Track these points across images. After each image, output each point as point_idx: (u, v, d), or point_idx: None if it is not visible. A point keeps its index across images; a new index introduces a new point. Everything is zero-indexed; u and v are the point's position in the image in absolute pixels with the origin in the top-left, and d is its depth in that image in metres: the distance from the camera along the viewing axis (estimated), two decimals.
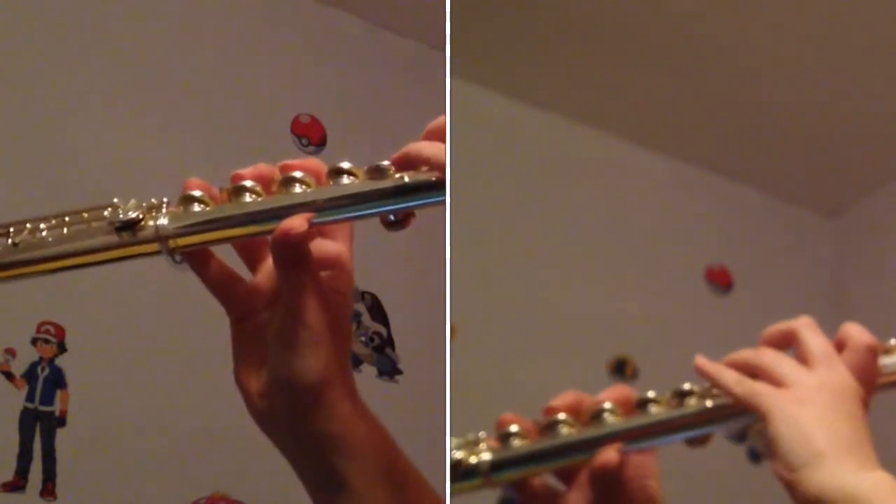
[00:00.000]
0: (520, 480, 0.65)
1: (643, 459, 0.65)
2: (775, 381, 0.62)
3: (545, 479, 0.66)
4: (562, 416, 0.65)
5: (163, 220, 0.57)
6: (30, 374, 1.86)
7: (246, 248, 0.61)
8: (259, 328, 0.59)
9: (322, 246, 0.59)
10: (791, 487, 0.59)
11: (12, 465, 1.82)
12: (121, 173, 2.02)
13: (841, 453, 0.58)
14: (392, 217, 0.58)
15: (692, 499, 2.24)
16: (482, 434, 0.66)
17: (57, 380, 1.88)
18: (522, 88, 2.48)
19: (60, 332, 1.90)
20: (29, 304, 1.89)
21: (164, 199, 0.59)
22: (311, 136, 2.33)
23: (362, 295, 2.30)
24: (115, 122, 2.06)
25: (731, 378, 0.64)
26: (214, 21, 2.29)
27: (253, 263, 0.61)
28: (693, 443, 0.66)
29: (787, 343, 0.65)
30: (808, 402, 0.60)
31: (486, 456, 0.65)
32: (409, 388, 2.29)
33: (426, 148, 0.57)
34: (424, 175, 0.57)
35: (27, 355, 1.87)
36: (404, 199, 0.57)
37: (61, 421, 1.88)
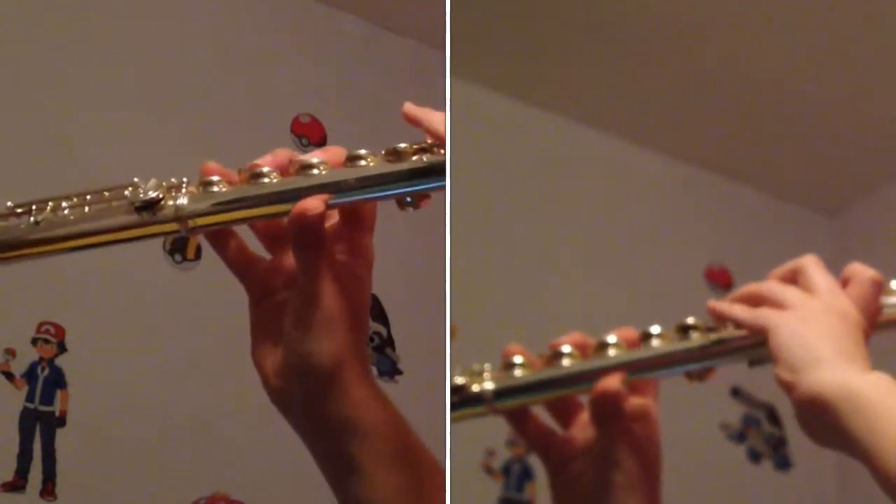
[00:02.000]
0: (520, 418, 0.67)
1: (645, 402, 0.66)
2: (780, 306, 0.63)
3: (546, 420, 0.67)
4: (566, 348, 0.66)
5: (182, 200, 0.58)
6: (30, 374, 1.86)
7: (265, 232, 0.61)
8: (277, 309, 0.59)
9: (343, 231, 0.60)
10: (790, 388, 0.60)
11: (12, 465, 1.82)
12: (121, 173, 2.01)
13: (841, 359, 0.59)
14: (408, 198, 0.58)
15: (692, 499, 2.24)
16: (486, 364, 0.67)
17: (57, 380, 1.88)
18: (522, 88, 2.48)
19: (60, 332, 1.90)
20: (29, 304, 1.89)
21: (185, 179, 0.60)
22: (311, 136, 2.33)
23: None
24: (115, 122, 2.06)
25: (737, 309, 0.65)
26: (214, 21, 2.29)
27: (273, 247, 0.62)
28: (693, 376, 0.66)
29: (794, 279, 0.66)
30: (811, 319, 0.61)
31: (490, 385, 0.66)
32: (409, 388, 2.29)
33: (435, 119, 0.58)
34: (440, 158, 0.57)
35: (27, 355, 1.87)
36: (420, 181, 0.58)
37: (61, 421, 1.88)
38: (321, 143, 2.33)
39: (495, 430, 2.29)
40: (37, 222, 0.60)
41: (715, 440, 2.50)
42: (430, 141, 0.58)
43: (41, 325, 1.89)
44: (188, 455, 1.99)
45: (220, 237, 0.60)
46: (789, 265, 0.67)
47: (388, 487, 0.57)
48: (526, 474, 2.27)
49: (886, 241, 2.65)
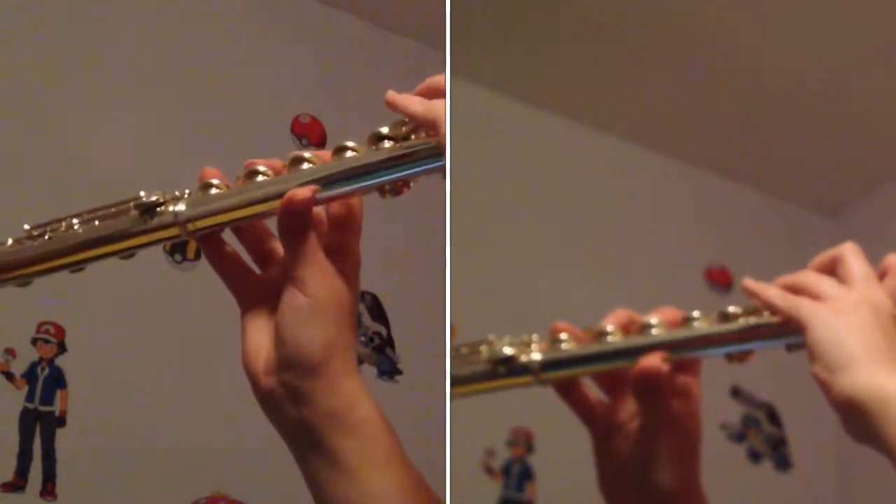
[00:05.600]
0: (568, 387, 0.69)
1: (687, 379, 0.68)
2: (816, 297, 0.65)
3: (593, 390, 0.70)
4: (610, 327, 0.69)
5: (181, 206, 0.61)
6: (30, 374, 1.86)
7: (255, 244, 0.63)
8: (267, 313, 0.60)
9: (330, 233, 0.61)
10: (827, 388, 0.61)
11: (12, 465, 1.82)
12: (121, 173, 2.02)
13: (874, 359, 0.60)
14: (387, 186, 0.60)
15: None
16: (535, 336, 0.70)
17: (57, 380, 1.88)
18: (522, 88, 2.48)
19: (60, 332, 1.90)
20: (29, 304, 1.89)
21: (186, 191, 0.62)
22: (311, 136, 2.33)
23: (362, 295, 2.30)
24: (115, 122, 2.06)
25: (774, 293, 0.67)
26: (214, 21, 2.29)
27: (262, 260, 0.63)
28: (733, 358, 0.68)
29: (833, 269, 0.67)
30: (846, 313, 0.62)
31: (537, 356, 0.68)
32: (409, 388, 2.29)
33: (414, 103, 0.59)
34: (421, 142, 0.58)
35: (27, 355, 1.87)
36: (403, 167, 0.59)
37: (61, 421, 1.88)
38: (321, 143, 2.33)
39: (495, 431, 2.30)
40: (49, 239, 0.63)
41: (715, 440, 2.50)
42: (407, 127, 0.60)
43: (41, 325, 1.89)
44: (188, 455, 1.99)
45: (213, 248, 0.62)
46: (829, 253, 0.68)
47: (372, 487, 0.57)
48: (526, 474, 2.27)
49: (886, 241, 2.64)
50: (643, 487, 0.66)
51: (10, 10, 2.01)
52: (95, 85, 2.07)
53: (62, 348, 1.90)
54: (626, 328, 0.69)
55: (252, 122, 2.25)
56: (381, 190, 0.60)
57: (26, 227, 0.65)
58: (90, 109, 2.05)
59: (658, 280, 2.55)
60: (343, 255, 0.61)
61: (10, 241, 0.65)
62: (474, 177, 2.30)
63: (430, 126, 0.58)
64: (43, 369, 1.88)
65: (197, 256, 2.06)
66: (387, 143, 0.60)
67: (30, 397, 1.86)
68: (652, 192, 2.65)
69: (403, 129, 0.60)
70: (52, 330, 1.90)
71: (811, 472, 2.63)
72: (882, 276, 0.66)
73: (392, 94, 0.61)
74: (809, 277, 0.67)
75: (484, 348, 0.69)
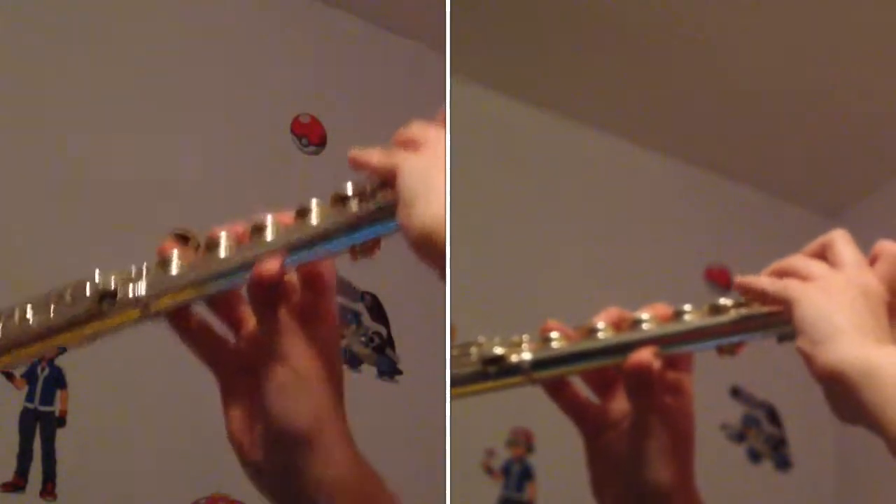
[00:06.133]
0: (558, 386, 0.69)
1: (679, 376, 0.67)
2: (804, 278, 0.65)
3: (583, 390, 0.69)
4: (601, 324, 0.68)
5: (141, 287, 0.58)
6: (30, 374, 1.86)
7: (225, 310, 0.61)
8: (248, 383, 0.59)
9: (304, 297, 0.59)
10: (810, 360, 0.61)
11: (12, 465, 1.82)
12: (120, 173, 2.02)
13: (860, 332, 0.60)
14: (357, 247, 0.58)
15: None
16: (525, 335, 0.69)
17: (57, 380, 1.88)
18: (522, 88, 2.48)
19: None
20: None
21: (144, 265, 0.59)
22: (311, 136, 2.33)
23: (362, 295, 2.30)
24: (116, 122, 2.06)
25: (763, 280, 0.67)
26: (214, 21, 2.29)
27: (234, 326, 0.62)
28: (724, 350, 0.68)
29: (823, 255, 0.67)
30: (834, 292, 0.62)
31: (527, 355, 0.67)
32: (409, 388, 2.29)
33: (374, 156, 0.57)
34: (384, 202, 0.57)
35: None
36: (368, 228, 0.57)
37: (61, 421, 1.88)
38: (321, 143, 2.33)
39: (495, 431, 2.30)
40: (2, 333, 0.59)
41: (715, 440, 2.50)
42: (371, 185, 0.58)
43: None
44: (188, 455, 1.99)
45: (181, 322, 0.60)
46: (819, 240, 0.68)
47: None
48: (526, 474, 2.27)
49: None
50: (636, 486, 0.65)
51: (10, 9, 2.00)
52: (95, 85, 2.07)
53: (62, 348, 1.89)
54: (616, 325, 0.68)
55: (252, 122, 2.25)
56: (351, 252, 0.58)
57: None
58: (90, 109, 2.05)
59: (658, 280, 2.55)
60: (319, 319, 0.59)
61: None
62: (474, 177, 2.30)
63: (389, 175, 0.56)
64: (43, 369, 1.87)
65: None
66: (352, 203, 0.58)
67: (30, 397, 1.86)
68: (652, 192, 2.65)
69: (368, 187, 0.58)
70: None
71: (811, 472, 2.63)
72: (872, 261, 0.66)
73: (353, 153, 0.59)
74: (798, 261, 0.67)
75: (474, 349, 0.69)
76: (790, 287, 0.64)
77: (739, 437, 2.56)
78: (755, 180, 2.75)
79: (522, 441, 2.28)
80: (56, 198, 1.93)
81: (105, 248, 1.92)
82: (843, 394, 0.59)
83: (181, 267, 0.59)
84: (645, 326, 0.67)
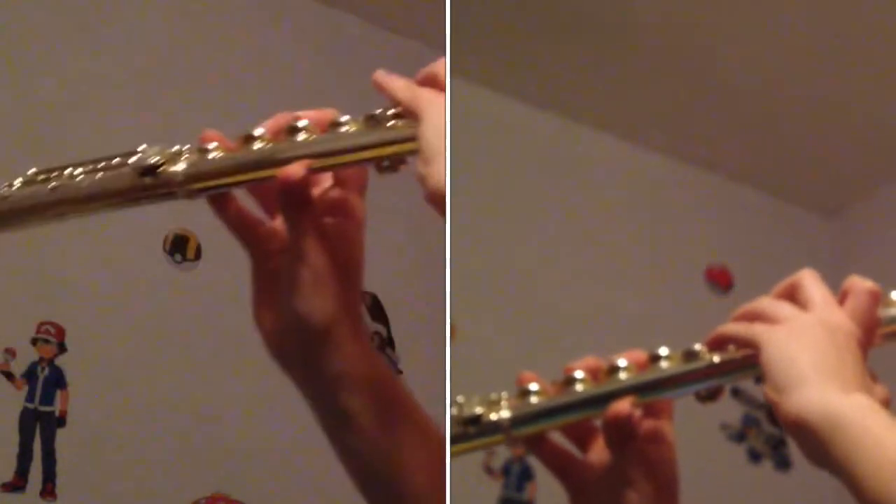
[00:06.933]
0: (538, 442, 0.68)
1: (658, 424, 0.67)
2: (772, 321, 0.64)
3: (564, 443, 0.70)
4: (579, 374, 0.68)
5: (181, 166, 0.61)
6: (30, 374, 1.86)
7: (263, 195, 0.64)
8: (276, 270, 0.61)
9: (332, 193, 0.62)
10: (776, 408, 0.61)
11: (12, 465, 1.82)
12: None
13: (824, 378, 0.59)
14: (386, 162, 0.61)
15: (692, 499, 2.24)
16: (504, 393, 0.69)
17: (57, 380, 1.88)
18: (522, 88, 2.48)
19: (60, 332, 1.90)
20: (29, 304, 1.89)
21: (186, 147, 0.63)
22: None
23: (362, 295, 2.30)
24: (115, 122, 2.06)
25: (731, 326, 0.66)
26: (214, 21, 2.29)
27: (270, 210, 0.64)
28: (703, 397, 0.67)
29: (792, 296, 0.66)
30: (800, 333, 0.62)
31: (507, 413, 0.67)
32: (409, 388, 2.29)
33: (400, 89, 0.61)
34: (411, 126, 0.59)
35: (27, 355, 1.87)
36: (394, 146, 0.60)
37: (61, 421, 1.88)
38: None
39: None
40: (53, 189, 0.64)
41: (715, 440, 2.50)
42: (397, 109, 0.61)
43: (41, 325, 1.89)
44: (188, 455, 1.99)
45: (220, 201, 0.62)
46: (788, 281, 0.67)
47: (384, 441, 0.60)
48: (526, 474, 2.27)
49: (886, 241, 2.65)
50: None
51: (10, 8, 2.00)
52: (96, 84, 2.07)
53: (62, 348, 1.90)
54: (594, 374, 0.68)
55: (252, 122, 2.24)
56: (378, 166, 0.61)
57: (32, 170, 0.67)
58: (90, 109, 2.05)
59: (658, 280, 2.55)
60: (345, 213, 0.62)
61: (17, 183, 0.66)
62: (474, 177, 2.30)
63: (411, 115, 0.59)
64: (43, 369, 1.88)
65: (197, 256, 2.06)
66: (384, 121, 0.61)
67: (30, 397, 1.86)
68: (652, 192, 2.65)
69: (392, 111, 0.62)
70: (52, 330, 1.90)
71: (811, 472, 2.62)
72: (842, 299, 0.65)
73: (379, 75, 0.64)
74: (765, 303, 0.66)
75: (454, 409, 0.69)
76: (757, 332, 0.64)
77: (739, 437, 2.56)
78: (755, 180, 2.75)
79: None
80: None
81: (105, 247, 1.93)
82: (808, 442, 0.59)
83: (218, 155, 0.62)
84: (622, 375, 0.67)
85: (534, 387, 0.68)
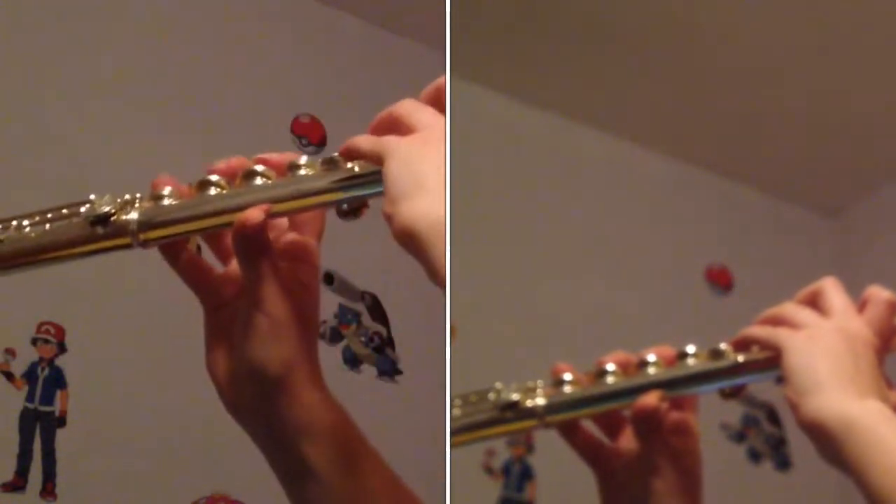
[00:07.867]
0: (571, 429, 0.73)
1: (684, 416, 0.71)
2: (794, 326, 0.69)
3: (594, 431, 0.74)
4: (610, 366, 0.72)
5: (133, 215, 0.60)
6: (30, 374, 1.86)
7: (216, 241, 0.63)
8: (229, 318, 0.61)
9: (288, 238, 0.62)
10: (795, 409, 0.65)
11: (12, 465, 1.82)
12: (119, 173, 2.01)
13: (841, 384, 0.63)
14: (345, 206, 0.60)
15: None
16: (539, 381, 0.74)
17: (57, 380, 1.88)
18: (522, 88, 2.48)
19: (60, 332, 1.90)
20: (29, 304, 1.88)
21: (138, 195, 0.62)
22: (311, 136, 2.33)
23: (362, 295, 2.30)
24: (115, 122, 2.06)
25: (756, 329, 0.71)
26: (213, 20, 2.29)
27: (223, 256, 0.64)
28: (726, 394, 0.72)
29: (814, 302, 0.71)
30: (819, 339, 0.66)
31: (542, 400, 0.72)
32: (409, 388, 2.29)
33: (363, 143, 0.59)
34: (372, 167, 0.58)
35: (27, 355, 1.87)
36: (352, 189, 0.59)
37: (61, 421, 1.88)
38: (321, 143, 2.33)
39: None
40: (0, 242, 0.63)
41: (715, 440, 2.50)
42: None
43: (41, 325, 1.89)
44: (188, 455, 1.99)
45: (172, 249, 0.62)
46: (810, 287, 0.71)
47: (344, 490, 0.59)
48: (526, 474, 2.27)
49: (886, 241, 2.65)
50: None
51: (10, 8, 2.00)
52: (95, 85, 2.07)
53: (62, 348, 1.90)
54: (624, 368, 0.72)
55: (252, 122, 2.25)
56: (338, 210, 0.60)
57: None
58: (90, 109, 2.05)
59: (658, 280, 2.55)
60: (302, 258, 0.61)
61: None
62: (474, 177, 2.30)
63: (376, 161, 0.57)
64: (43, 369, 1.88)
65: None
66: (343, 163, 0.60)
67: (30, 397, 1.86)
68: (652, 192, 2.65)
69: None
70: (52, 330, 1.90)
71: (811, 472, 2.63)
72: (862, 307, 0.69)
73: (347, 145, 0.60)
74: (789, 309, 0.70)
75: (492, 395, 0.73)
76: (780, 336, 0.68)
77: (739, 437, 2.56)
78: (755, 180, 2.75)
79: (522, 441, 2.28)
80: (56, 198, 1.93)
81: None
82: (823, 444, 0.62)
83: (172, 203, 0.61)
84: (651, 370, 0.72)
85: (568, 377, 0.73)
